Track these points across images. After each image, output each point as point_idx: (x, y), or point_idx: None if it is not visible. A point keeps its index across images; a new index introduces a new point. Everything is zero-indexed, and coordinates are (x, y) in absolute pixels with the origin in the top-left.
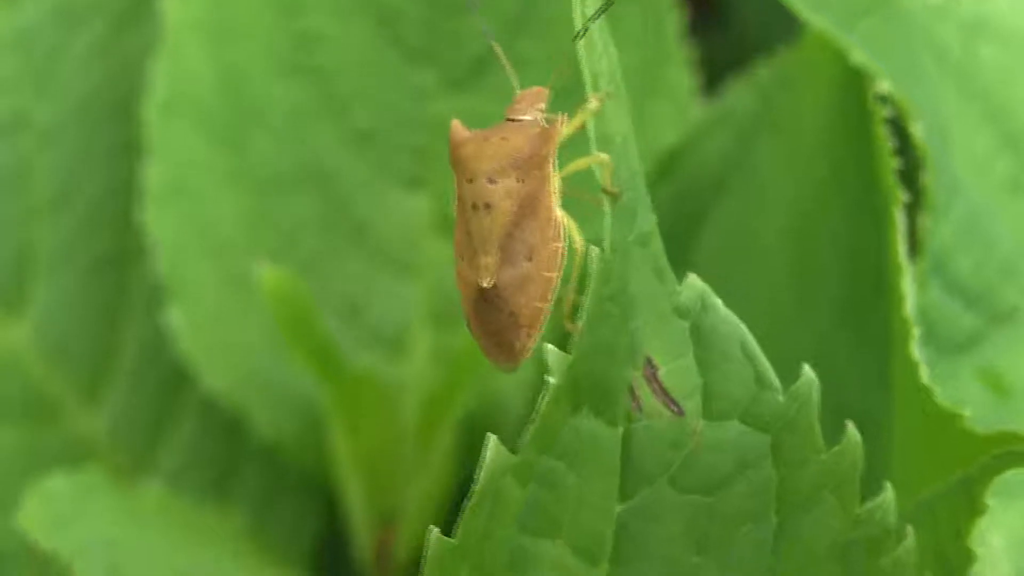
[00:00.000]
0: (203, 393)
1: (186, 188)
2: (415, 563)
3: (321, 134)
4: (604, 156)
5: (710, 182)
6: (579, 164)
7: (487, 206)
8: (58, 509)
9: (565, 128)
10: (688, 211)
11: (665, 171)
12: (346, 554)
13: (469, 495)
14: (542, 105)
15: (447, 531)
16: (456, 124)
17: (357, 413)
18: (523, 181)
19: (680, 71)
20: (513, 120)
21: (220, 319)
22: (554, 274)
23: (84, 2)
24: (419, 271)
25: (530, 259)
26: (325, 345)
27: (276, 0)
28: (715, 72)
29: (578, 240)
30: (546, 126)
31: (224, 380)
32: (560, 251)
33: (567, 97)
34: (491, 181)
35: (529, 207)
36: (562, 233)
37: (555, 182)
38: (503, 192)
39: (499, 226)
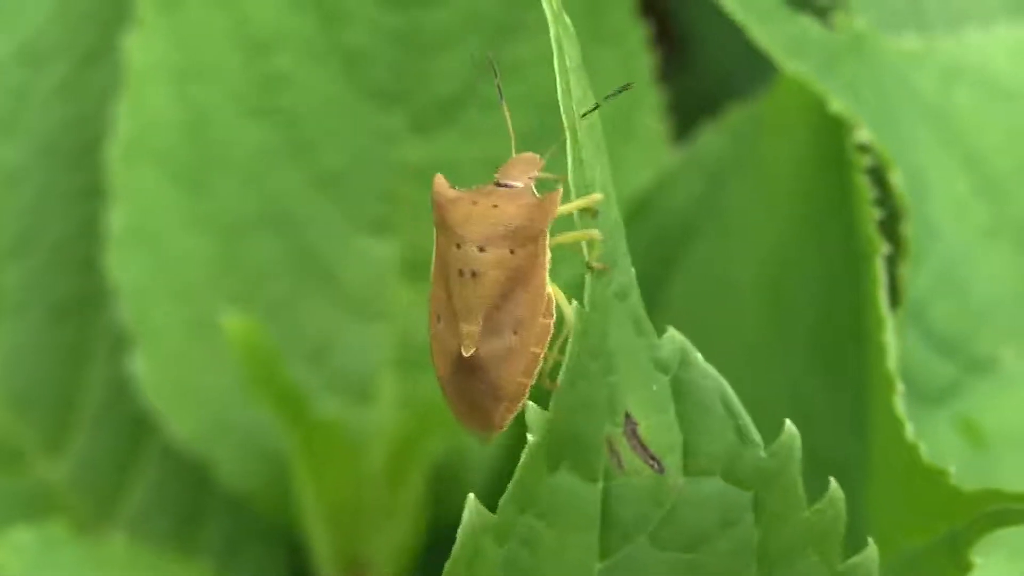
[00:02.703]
0: (167, 440)
1: (150, 232)
2: None
3: (287, 177)
4: (596, 232)
5: (681, 227)
6: (569, 237)
7: (474, 274)
8: (24, 561)
9: (562, 205)
10: (659, 256)
11: (636, 216)
12: None
13: (451, 558)
14: (535, 173)
15: None
16: (440, 180)
17: (323, 461)
18: (515, 252)
19: (652, 115)
20: (503, 185)
21: (184, 365)
22: (542, 350)
23: (49, 43)
24: (386, 316)
25: (516, 332)
26: (290, 393)
27: (241, 41)
28: (686, 116)
29: (567, 309)
30: (541, 197)
31: (188, 426)
32: (550, 327)
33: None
34: (481, 249)
35: (520, 279)
36: (552, 308)
37: (548, 256)
38: (494, 261)
39: (486, 296)
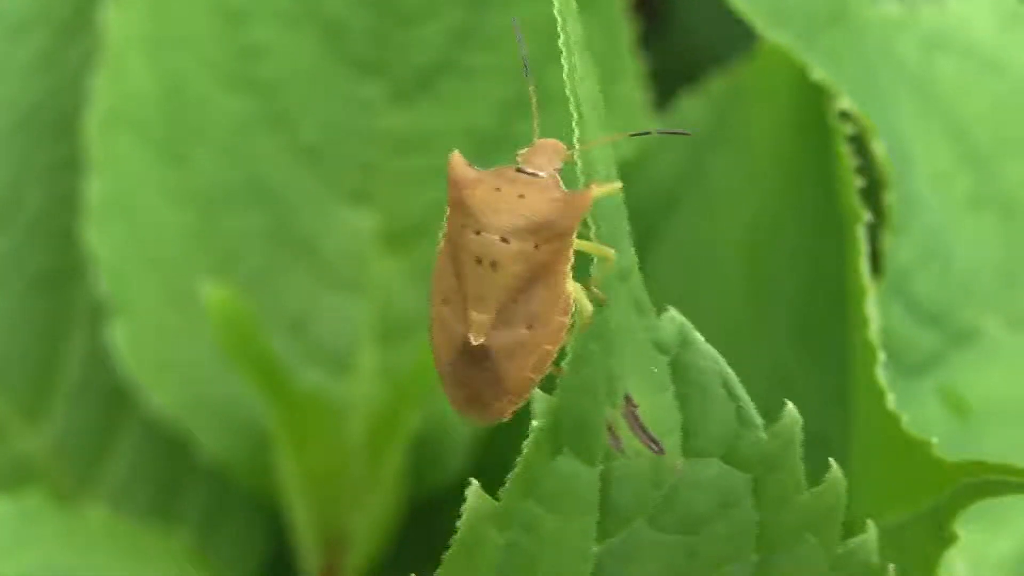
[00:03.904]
0: (147, 411)
1: (128, 203)
2: None
3: (266, 148)
4: (611, 252)
5: (663, 198)
6: (583, 246)
7: (494, 264)
8: (3, 534)
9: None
10: (640, 227)
11: None
12: (293, 575)
13: (450, 543)
14: (559, 163)
15: (398, 557)
16: (457, 158)
17: (303, 432)
18: (539, 248)
19: (632, 85)
20: (526, 173)
21: (163, 336)
22: (554, 348)
23: (26, 13)
24: (366, 288)
25: (530, 328)
26: (270, 364)
27: (219, 12)
28: (667, 85)
29: (586, 308)
30: (571, 193)
31: (168, 398)
32: (565, 326)
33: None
34: (504, 240)
35: (541, 275)
36: (569, 307)
37: (572, 254)
38: (516, 254)
39: (503, 287)
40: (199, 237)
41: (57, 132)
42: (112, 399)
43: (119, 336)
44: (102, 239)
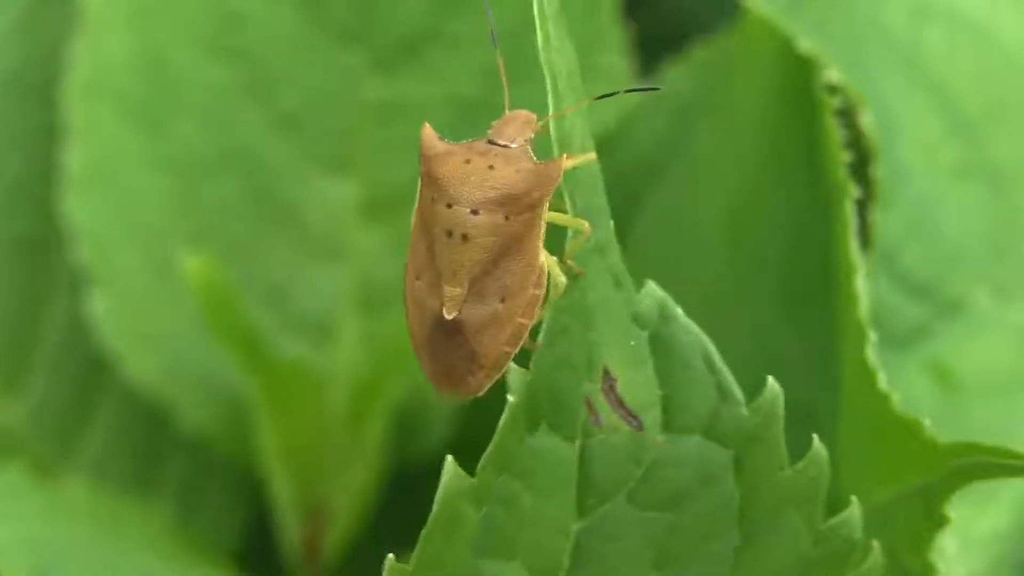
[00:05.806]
0: (126, 382)
1: (108, 172)
2: (344, 556)
3: (246, 117)
4: (585, 224)
5: (646, 167)
6: (557, 219)
7: (465, 237)
8: None
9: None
10: (623, 195)
11: (600, 156)
12: (274, 547)
13: (429, 521)
14: (530, 134)
15: (379, 528)
16: (428, 131)
17: (284, 402)
18: (511, 219)
19: (615, 54)
20: (497, 144)
21: (143, 306)
22: (528, 321)
23: None
24: (346, 257)
25: (503, 301)
26: (250, 334)
27: None
28: (651, 53)
29: (559, 279)
30: (542, 164)
31: (148, 368)
32: (539, 299)
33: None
34: (474, 212)
35: (513, 248)
36: (544, 280)
37: (544, 226)
38: (487, 227)
39: (475, 260)
40: (179, 206)
41: (37, 100)
42: (91, 369)
43: (98, 306)
44: (82, 208)
